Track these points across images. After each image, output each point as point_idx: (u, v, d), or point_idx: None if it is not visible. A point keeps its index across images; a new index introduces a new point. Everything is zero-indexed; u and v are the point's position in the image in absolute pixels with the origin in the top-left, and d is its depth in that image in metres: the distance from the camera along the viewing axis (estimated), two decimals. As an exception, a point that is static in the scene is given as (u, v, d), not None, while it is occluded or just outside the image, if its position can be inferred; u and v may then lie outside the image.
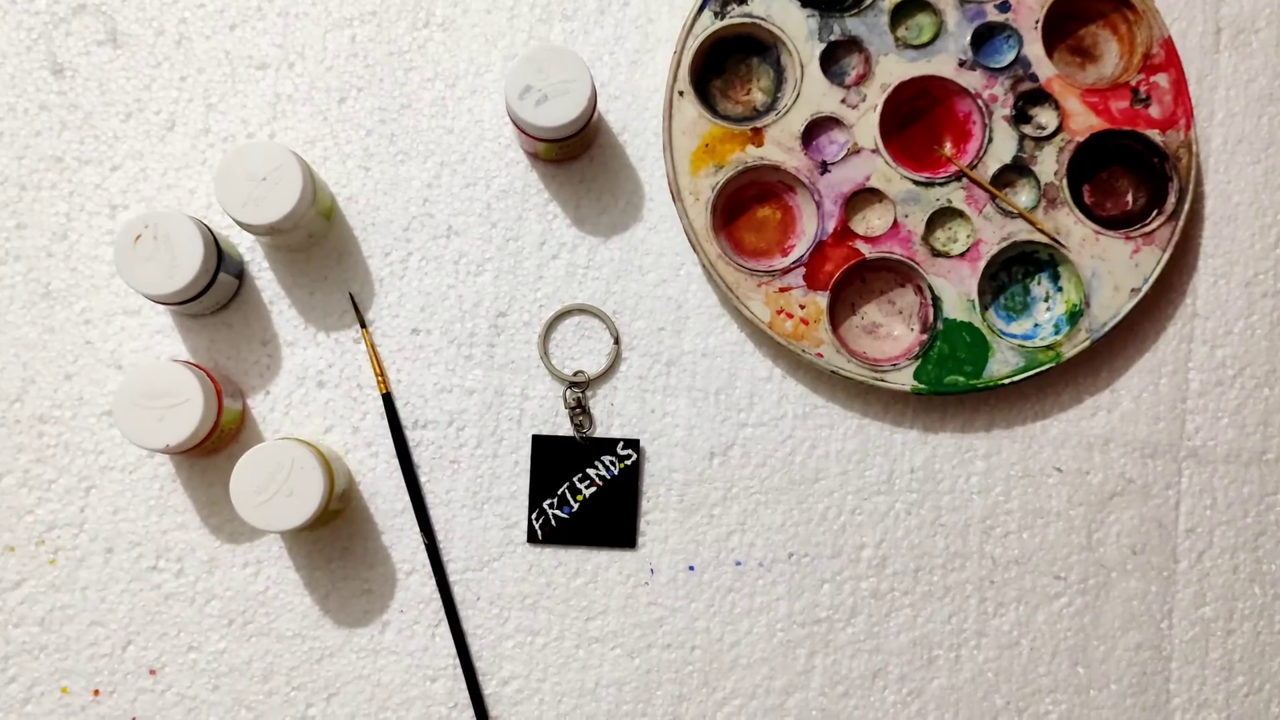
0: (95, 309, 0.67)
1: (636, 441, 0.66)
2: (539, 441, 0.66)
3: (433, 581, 0.66)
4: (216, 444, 0.64)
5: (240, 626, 0.66)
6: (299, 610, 0.66)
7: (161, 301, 0.63)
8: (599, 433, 0.67)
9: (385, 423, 0.67)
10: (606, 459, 0.66)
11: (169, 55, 0.70)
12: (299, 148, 0.68)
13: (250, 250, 0.68)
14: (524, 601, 0.66)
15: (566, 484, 0.66)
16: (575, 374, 0.67)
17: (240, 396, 0.67)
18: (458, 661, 0.66)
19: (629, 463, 0.66)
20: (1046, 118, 0.68)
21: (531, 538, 0.66)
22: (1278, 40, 0.71)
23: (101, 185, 0.68)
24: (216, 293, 0.65)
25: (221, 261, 0.64)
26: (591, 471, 0.66)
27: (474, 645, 0.66)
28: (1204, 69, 0.71)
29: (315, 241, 0.68)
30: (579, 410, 0.66)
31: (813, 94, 0.67)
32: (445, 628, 0.66)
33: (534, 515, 0.66)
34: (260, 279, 0.68)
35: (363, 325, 0.67)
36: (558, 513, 0.66)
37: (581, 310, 0.68)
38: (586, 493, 0.66)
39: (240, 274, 0.67)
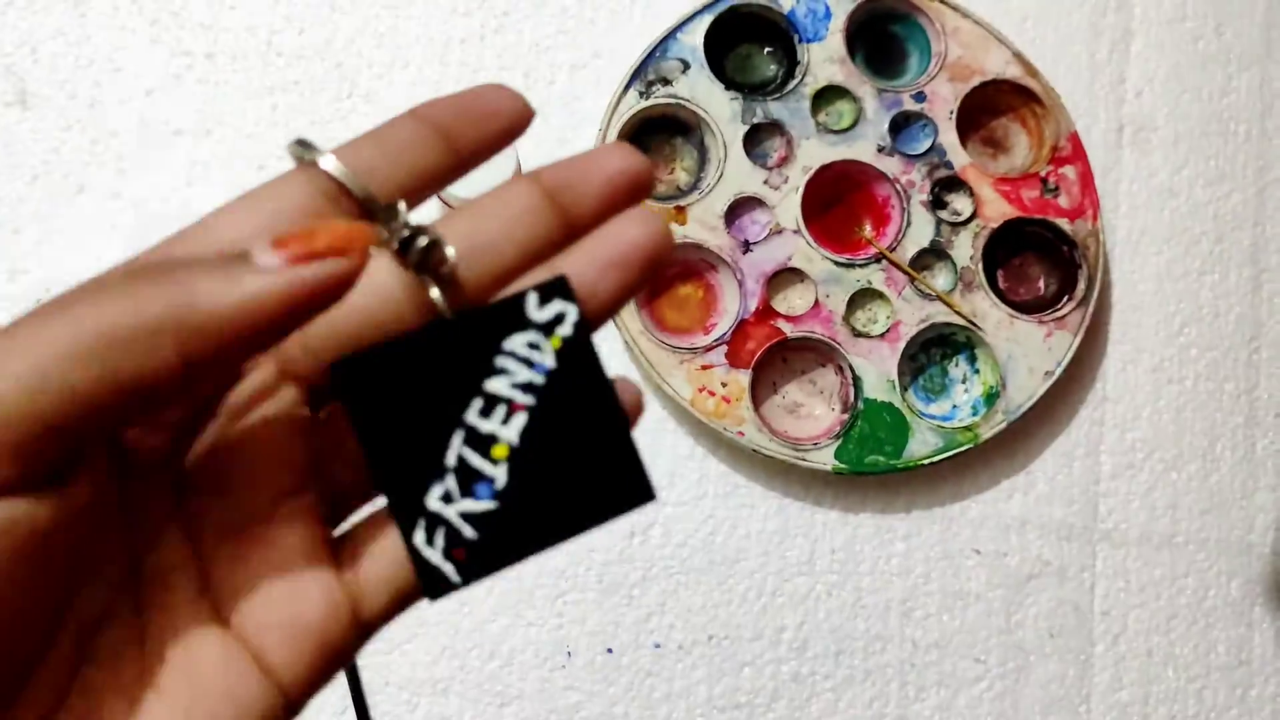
0: (-12, 376, 0.64)
1: (561, 280, 0.27)
2: (346, 372, 0.26)
3: (339, 665, 0.63)
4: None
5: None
6: (194, 697, 0.62)
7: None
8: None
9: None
10: (519, 343, 0.27)
11: (80, 118, 0.68)
12: (214, 214, 0.67)
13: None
14: (435, 686, 0.64)
15: (460, 434, 0.26)
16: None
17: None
18: (363, 751, 0.62)
19: (566, 331, 0.27)
20: (962, 204, 0.70)
21: (436, 587, 0.26)
22: (1175, 139, 0.74)
23: (2, 249, 0.66)
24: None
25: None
26: (500, 384, 0.27)
27: (381, 733, 0.63)
28: (1108, 163, 0.74)
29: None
30: (413, 238, 0.26)
31: (736, 174, 0.68)
32: (351, 715, 0.63)
33: (421, 537, 0.26)
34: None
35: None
36: (469, 505, 0.26)
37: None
38: (509, 433, 0.27)
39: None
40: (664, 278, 0.69)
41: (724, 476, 0.67)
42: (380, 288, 0.25)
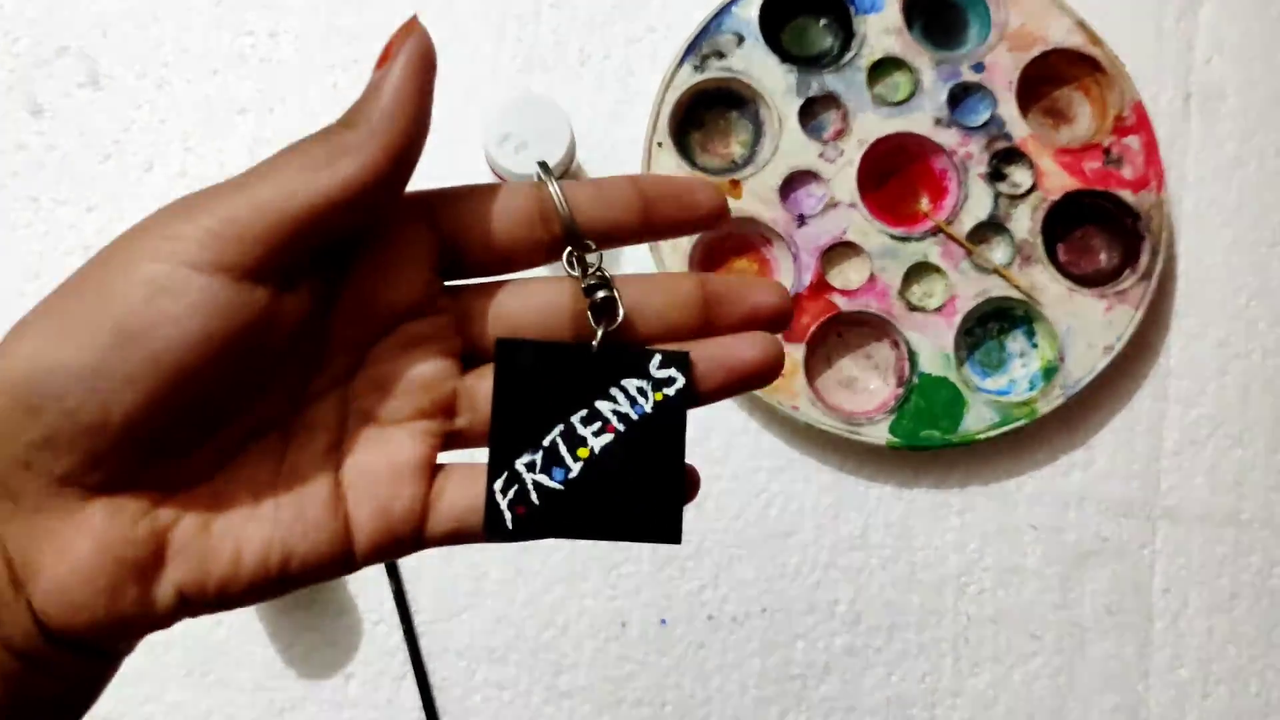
0: (64, 349, 0.67)
1: (685, 356, 0.33)
2: (508, 349, 0.33)
3: (399, 632, 0.65)
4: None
5: (199, 677, 0.64)
6: (260, 661, 0.64)
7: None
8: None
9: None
10: (632, 385, 0.34)
11: (150, 98, 0.70)
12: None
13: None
14: (492, 654, 0.65)
15: (561, 427, 0.34)
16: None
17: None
18: (424, 715, 0.64)
19: (670, 392, 0.34)
20: (1021, 176, 0.69)
21: (494, 528, 0.33)
22: (1245, 107, 0.72)
23: (76, 225, 0.68)
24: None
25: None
26: (605, 406, 0.34)
27: (440, 699, 0.64)
28: (1174, 133, 0.72)
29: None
30: (599, 287, 0.33)
31: (791, 148, 0.68)
32: (411, 680, 0.64)
33: (500, 485, 0.33)
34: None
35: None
36: (543, 479, 0.34)
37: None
38: (596, 443, 0.34)
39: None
40: (719, 251, 0.69)
41: (778, 451, 0.67)
42: (557, 305, 0.33)
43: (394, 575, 0.65)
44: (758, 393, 0.65)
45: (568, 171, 0.65)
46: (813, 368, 0.67)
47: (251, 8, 0.71)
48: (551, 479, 0.34)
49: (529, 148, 0.63)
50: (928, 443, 0.66)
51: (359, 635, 0.65)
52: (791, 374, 0.66)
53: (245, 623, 0.64)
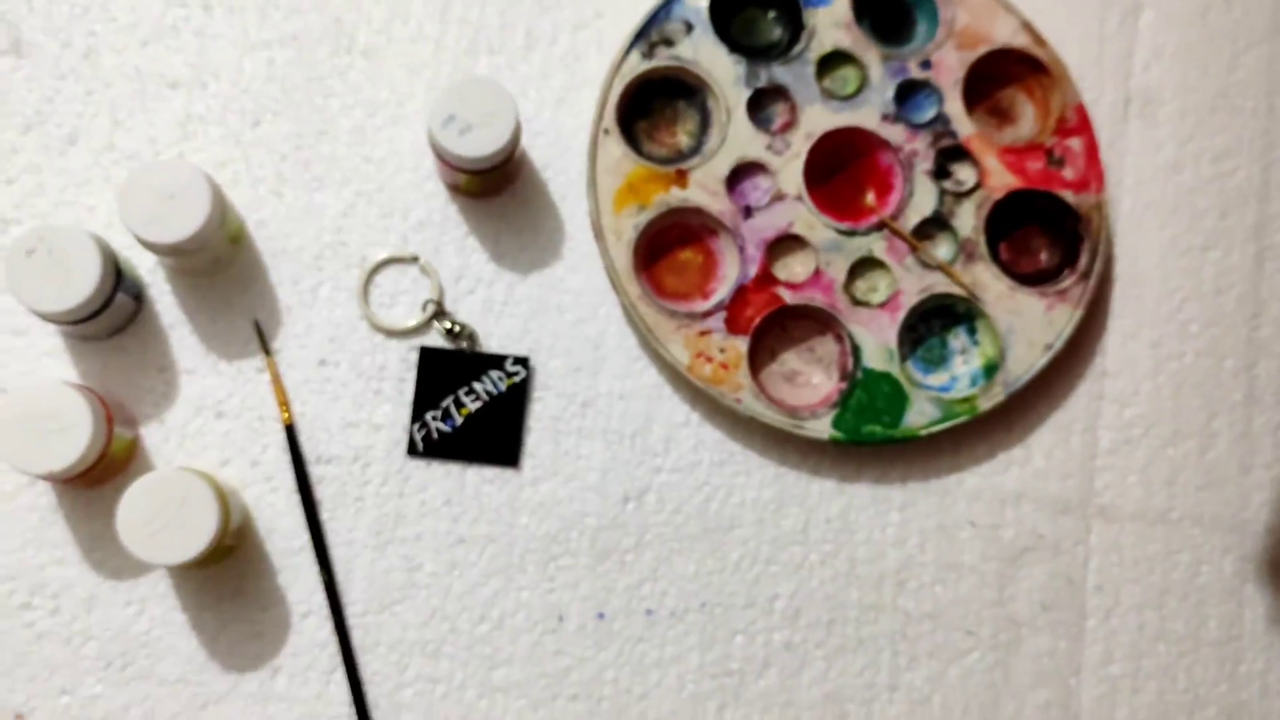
0: (-21, 327, 0.64)
1: (526, 359, 0.65)
2: (427, 354, 0.65)
3: (329, 625, 0.63)
4: (103, 473, 0.61)
5: (119, 670, 0.62)
6: (184, 653, 0.62)
7: (53, 320, 0.60)
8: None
9: (287, 456, 0.64)
10: (495, 374, 0.64)
11: (75, 68, 0.67)
12: (209, 169, 0.65)
13: (151, 273, 0.65)
14: (425, 648, 0.63)
15: (451, 397, 0.64)
16: (425, 303, 0.66)
17: (133, 424, 0.63)
18: (353, 711, 0.62)
19: (517, 379, 0.64)
20: (966, 174, 0.69)
21: (411, 449, 0.64)
22: (1181, 113, 0.74)
23: (-6, 198, 0.65)
24: (113, 314, 0.61)
25: (120, 281, 0.61)
26: (479, 386, 0.64)
27: (371, 693, 0.63)
28: (1114, 136, 0.73)
29: (221, 266, 0.65)
30: (455, 331, 0.65)
31: (738, 139, 0.67)
32: (341, 674, 0.63)
33: (415, 426, 0.64)
34: (160, 304, 0.65)
35: (267, 352, 0.65)
36: (440, 425, 0.64)
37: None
38: (472, 407, 0.64)
39: (139, 296, 0.64)
40: (664, 242, 0.68)
41: (719, 444, 0.67)
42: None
43: (325, 566, 0.63)
44: (700, 385, 0.65)
45: (513, 156, 0.64)
46: (756, 361, 0.67)
47: (185, -22, 0.68)
48: (444, 425, 0.64)
49: (473, 130, 0.62)
50: (870, 438, 0.66)
51: (287, 628, 0.63)
52: (735, 366, 0.65)
53: (166, 614, 0.62)
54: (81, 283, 0.58)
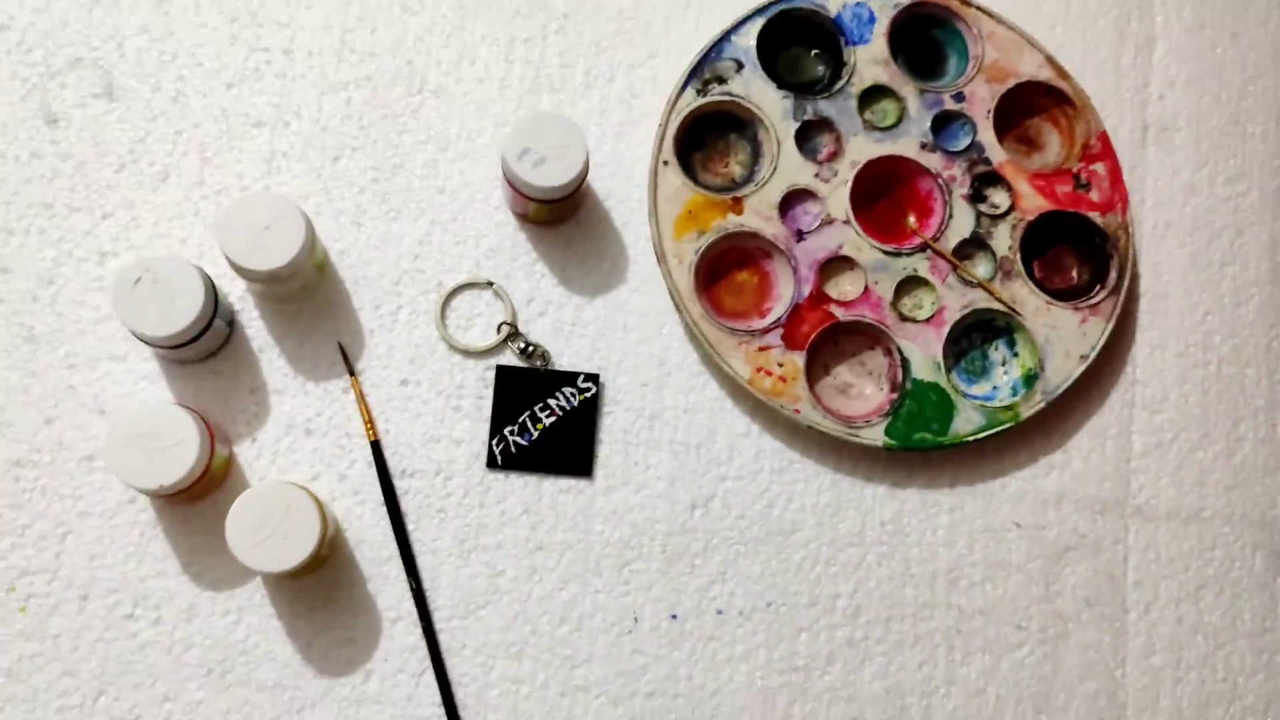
0: (80, 354, 0.67)
1: (596, 376, 0.70)
2: (503, 372, 0.69)
3: (418, 629, 0.66)
4: (204, 489, 0.64)
5: (219, 676, 0.65)
6: (280, 659, 0.65)
7: (156, 345, 0.63)
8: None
9: (372, 471, 0.68)
10: (567, 390, 0.69)
11: (165, 110, 0.71)
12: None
13: (240, 300, 0.69)
14: (509, 650, 0.67)
15: (527, 413, 0.69)
16: (499, 324, 0.70)
17: (228, 442, 0.67)
18: (443, 711, 0.65)
19: (589, 394, 0.69)
20: (1000, 198, 0.74)
21: (491, 463, 0.69)
22: (1196, 139, 0.79)
23: (91, 232, 0.69)
24: (209, 339, 0.65)
25: (216, 308, 0.65)
26: (552, 402, 0.69)
27: (459, 694, 0.66)
28: (1134, 161, 0.78)
29: (307, 292, 0.69)
30: (528, 350, 0.69)
31: (788, 168, 0.72)
32: (430, 677, 0.66)
33: (494, 441, 0.69)
34: (250, 328, 0.69)
35: (352, 373, 0.69)
36: (518, 439, 0.69)
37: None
38: (547, 422, 0.69)
39: (231, 322, 0.68)
40: (722, 265, 0.72)
41: (779, 453, 0.71)
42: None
43: (413, 574, 0.66)
44: (761, 397, 0.69)
45: (581, 185, 0.68)
46: (811, 374, 0.71)
47: (265, 26, 0.73)
48: (521, 440, 0.69)
49: (547, 162, 0.66)
50: (921, 444, 0.70)
51: (378, 633, 0.66)
52: (793, 379, 0.69)
53: (263, 622, 0.65)
54: (185, 309, 0.62)
